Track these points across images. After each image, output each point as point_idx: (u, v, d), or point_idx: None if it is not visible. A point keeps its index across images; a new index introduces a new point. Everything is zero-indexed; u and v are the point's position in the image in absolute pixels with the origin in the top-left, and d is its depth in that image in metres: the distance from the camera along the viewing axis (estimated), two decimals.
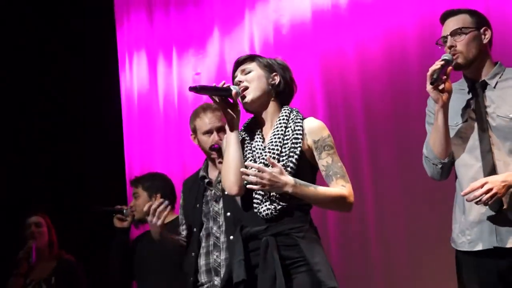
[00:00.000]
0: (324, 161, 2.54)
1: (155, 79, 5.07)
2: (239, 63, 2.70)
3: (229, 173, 2.55)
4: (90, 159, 5.04)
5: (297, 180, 2.48)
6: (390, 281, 4.02)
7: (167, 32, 5.07)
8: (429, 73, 2.67)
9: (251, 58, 2.69)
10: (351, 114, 4.22)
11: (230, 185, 2.55)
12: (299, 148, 2.54)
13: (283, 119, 2.60)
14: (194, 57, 4.90)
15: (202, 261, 3.17)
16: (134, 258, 3.75)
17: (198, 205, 3.21)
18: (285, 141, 2.56)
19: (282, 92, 2.66)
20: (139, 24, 5.19)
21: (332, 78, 4.29)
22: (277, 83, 2.64)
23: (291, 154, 2.54)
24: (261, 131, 2.65)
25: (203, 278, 3.16)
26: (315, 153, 2.56)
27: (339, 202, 2.52)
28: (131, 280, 3.85)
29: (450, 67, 2.70)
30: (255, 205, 2.54)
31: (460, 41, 2.75)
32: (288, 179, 2.45)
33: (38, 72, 5.16)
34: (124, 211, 3.72)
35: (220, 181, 3.13)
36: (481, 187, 2.56)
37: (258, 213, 2.53)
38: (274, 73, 2.65)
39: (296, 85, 2.72)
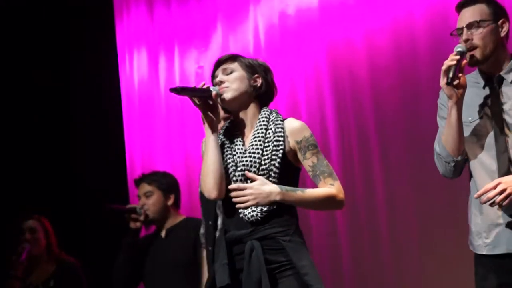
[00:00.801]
0: (309, 161, 2.50)
1: (157, 74, 5.01)
2: (220, 62, 2.63)
3: (208, 177, 2.50)
4: (90, 155, 4.98)
5: (283, 186, 2.45)
6: (401, 281, 3.95)
7: (168, 26, 4.99)
8: (443, 69, 2.54)
9: (233, 58, 2.63)
10: (360, 107, 4.14)
11: (209, 189, 2.51)
12: (281, 151, 2.50)
13: (263, 121, 2.55)
14: (197, 51, 4.82)
15: None
16: (142, 259, 3.66)
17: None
18: (266, 144, 2.51)
19: (263, 94, 2.61)
20: (139, 18, 5.10)
21: (340, 69, 4.22)
22: (259, 85, 2.60)
23: (273, 157, 2.49)
24: (241, 134, 2.60)
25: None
26: (298, 154, 2.52)
27: (329, 201, 2.49)
28: (137, 282, 3.74)
29: (464, 61, 2.58)
30: (239, 209, 2.49)
31: (477, 35, 2.61)
32: (273, 187, 2.43)
33: (35, 68, 5.09)
34: (137, 209, 3.62)
35: None
36: (495, 188, 2.45)
37: (243, 216, 2.48)
38: (256, 75, 2.61)
39: (276, 88, 2.67)
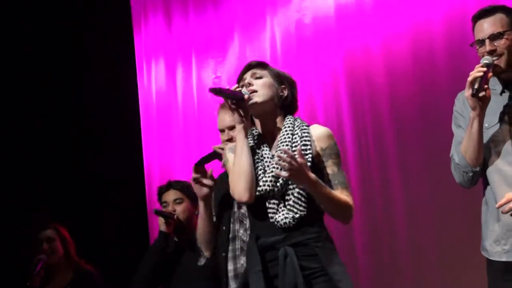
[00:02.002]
0: (330, 169, 2.53)
1: (174, 84, 5.03)
2: (251, 66, 2.65)
3: (240, 180, 2.49)
4: (109, 165, 4.99)
5: (318, 179, 2.44)
6: (419, 285, 3.91)
7: (186, 37, 5.01)
8: (469, 80, 2.52)
9: (263, 65, 2.67)
10: (378, 115, 4.13)
11: (241, 191, 2.49)
12: (310, 155, 2.51)
13: (288, 127, 2.57)
14: (214, 61, 4.84)
15: (230, 266, 3.06)
16: (169, 266, 3.64)
17: (227, 202, 3.09)
18: (294, 148, 2.50)
19: (287, 105, 2.64)
20: (157, 28, 5.14)
21: (358, 77, 4.21)
22: (285, 95, 2.62)
23: None
24: (266, 140, 2.61)
25: (232, 284, 3.03)
26: (322, 160, 2.53)
27: (345, 209, 2.51)
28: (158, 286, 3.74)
29: (490, 74, 2.55)
30: (270, 214, 2.50)
31: (501, 45, 2.60)
32: (311, 174, 2.41)
33: (55, 79, 5.14)
34: (175, 216, 3.61)
35: None
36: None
37: (275, 222, 2.47)
38: (283, 85, 2.63)
39: (298, 102, 2.69)
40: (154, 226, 4.69)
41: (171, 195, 3.68)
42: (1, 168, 4.91)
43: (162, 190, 3.75)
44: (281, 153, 2.35)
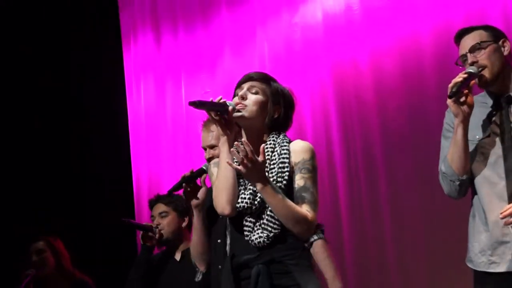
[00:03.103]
0: (296, 183, 2.45)
1: (164, 101, 5.04)
2: (251, 78, 2.58)
3: (222, 193, 2.45)
4: (97, 181, 5.01)
5: (273, 183, 2.40)
6: None
7: (175, 54, 5.03)
8: (450, 85, 2.54)
9: (265, 80, 2.58)
10: (366, 128, 4.14)
11: (223, 204, 2.45)
12: (286, 173, 2.45)
13: (270, 144, 2.51)
14: (203, 78, 4.85)
15: None
16: (155, 279, 3.63)
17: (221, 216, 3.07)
18: (272, 166, 2.47)
19: (276, 125, 2.57)
20: (146, 47, 5.15)
21: (346, 91, 4.23)
22: (276, 116, 2.55)
23: (279, 179, 2.45)
24: None
25: None
26: (294, 174, 2.47)
27: (300, 222, 2.39)
28: None
29: (473, 81, 2.58)
30: (246, 232, 2.45)
31: (481, 56, 2.63)
32: (264, 177, 2.36)
33: (43, 94, 5.14)
34: (154, 228, 3.59)
35: None
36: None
37: (250, 241, 2.44)
38: (277, 105, 2.56)
39: (291, 123, 2.63)
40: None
41: (158, 209, 3.68)
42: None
43: (151, 204, 3.75)
44: (241, 144, 2.31)
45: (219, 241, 3.04)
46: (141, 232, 3.61)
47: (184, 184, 3.09)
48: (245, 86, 2.55)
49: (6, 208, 4.84)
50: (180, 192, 3.17)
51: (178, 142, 4.89)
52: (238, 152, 2.33)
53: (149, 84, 5.10)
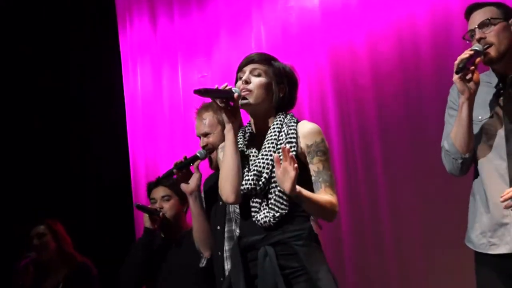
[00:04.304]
0: (315, 166, 2.47)
1: (160, 85, 5.02)
2: (253, 60, 2.56)
3: (227, 181, 2.47)
4: (94, 167, 5.03)
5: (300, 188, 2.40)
6: (406, 285, 3.93)
7: (171, 38, 5.00)
8: (456, 62, 2.53)
9: (266, 60, 2.57)
10: (363, 112, 4.13)
11: (228, 193, 2.48)
12: (293, 153, 2.44)
13: (277, 124, 2.52)
14: (199, 62, 4.83)
15: (226, 265, 3.05)
16: (155, 262, 3.63)
17: (221, 202, 3.07)
18: (279, 146, 2.47)
19: (282, 104, 2.57)
20: (142, 30, 5.13)
21: (343, 75, 4.21)
22: (281, 96, 2.56)
23: None
24: (256, 138, 2.57)
25: None
26: (307, 157, 2.48)
27: (328, 209, 2.44)
28: (142, 284, 3.72)
29: (479, 58, 2.56)
30: (252, 213, 2.47)
31: (489, 32, 2.61)
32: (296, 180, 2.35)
33: (39, 80, 5.13)
34: (160, 212, 3.59)
35: None
36: None
37: (256, 222, 2.45)
38: (282, 85, 2.56)
39: (296, 100, 2.64)
40: (139, 222, 4.69)
41: (159, 192, 3.66)
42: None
43: (151, 187, 3.75)
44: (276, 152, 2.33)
45: (218, 227, 3.08)
46: (146, 215, 3.60)
47: (175, 171, 3.10)
48: (247, 69, 2.54)
49: (6, 208, 4.84)
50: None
51: (175, 127, 4.88)
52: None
53: (145, 69, 5.07)
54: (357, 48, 4.15)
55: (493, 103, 2.61)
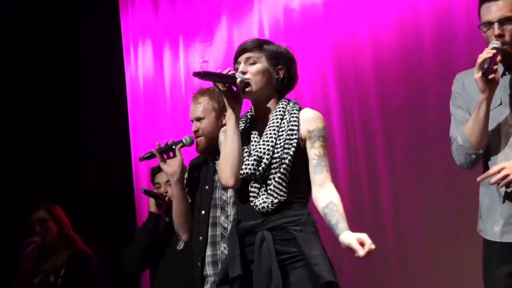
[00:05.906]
0: (316, 150, 2.47)
1: (161, 68, 5.00)
2: (245, 50, 2.56)
3: (226, 165, 2.48)
4: (95, 150, 4.99)
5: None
6: (406, 270, 3.95)
7: (173, 20, 4.98)
8: (479, 62, 2.51)
9: (258, 47, 2.55)
10: (365, 102, 4.13)
11: (227, 176, 2.48)
12: (295, 140, 2.47)
13: (280, 111, 2.52)
14: (201, 45, 4.82)
15: (208, 251, 3.04)
16: (158, 247, 3.65)
17: (207, 186, 3.08)
18: (280, 133, 2.48)
19: (283, 85, 2.57)
20: (144, 12, 5.10)
21: (345, 64, 4.21)
22: (281, 77, 2.55)
23: (287, 146, 2.47)
24: (258, 124, 2.57)
25: (208, 269, 3.02)
26: (308, 143, 2.49)
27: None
28: (145, 268, 3.75)
29: (499, 57, 2.54)
30: (251, 198, 2.48)
31: (509, 31, 2.57)
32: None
33: (39, 63, 5.10)
34: (166, 197, 3.59)
35: None
36: (498, 172, 2.47)
37: (254, 207, 2.46)
38: (279, 66, 2.55)
39: (297, 78, 2.63)
40: (141, 207, 4.71)
41: (163, 176, 3.67)
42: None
43: (155, 171, 3.76)
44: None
45: (203, 212, 3.07)
46: (152, 200, 3.61)
47: (155, 151, 3.10)
48: (242, 59, 2.55)
49: (7, 194, 4.83)
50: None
51: (176, 111, 4.87)
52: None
53: (147, 50, 5.05)
54: (359, 37, 4.14)
55: (500, 93, 2.60)
